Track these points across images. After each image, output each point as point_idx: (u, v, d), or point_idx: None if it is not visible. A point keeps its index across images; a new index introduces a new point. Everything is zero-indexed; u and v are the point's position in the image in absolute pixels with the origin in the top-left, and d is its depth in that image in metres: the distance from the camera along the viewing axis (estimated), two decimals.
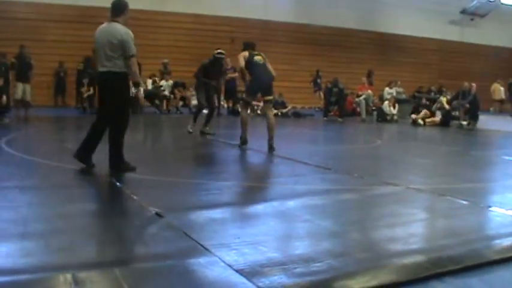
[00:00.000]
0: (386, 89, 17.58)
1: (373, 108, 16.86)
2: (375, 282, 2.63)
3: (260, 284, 2.51)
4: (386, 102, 16.16)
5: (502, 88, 21.35)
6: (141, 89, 5.30)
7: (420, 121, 14.41)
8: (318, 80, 18.54)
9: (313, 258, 2.89)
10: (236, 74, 13.38)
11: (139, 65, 6.17)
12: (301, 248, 3.18)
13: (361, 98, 16.75)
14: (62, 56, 16.24)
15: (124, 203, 4.18)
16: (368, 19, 20.95)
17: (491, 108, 21.37)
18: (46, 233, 3.31)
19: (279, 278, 2.59)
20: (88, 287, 2.46)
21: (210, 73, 9.44)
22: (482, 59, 23.13)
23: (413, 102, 16.59)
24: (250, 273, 2.64)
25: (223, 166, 7.06)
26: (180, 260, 2.83)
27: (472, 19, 23.53)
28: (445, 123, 14.21)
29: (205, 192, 4.92)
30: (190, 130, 9.33)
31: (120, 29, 5.14)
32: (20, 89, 11.72)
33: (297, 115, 16.37)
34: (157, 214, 3.70)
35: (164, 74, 16.15)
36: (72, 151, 5.47)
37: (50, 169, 5.61)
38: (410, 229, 3.68)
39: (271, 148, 7.35)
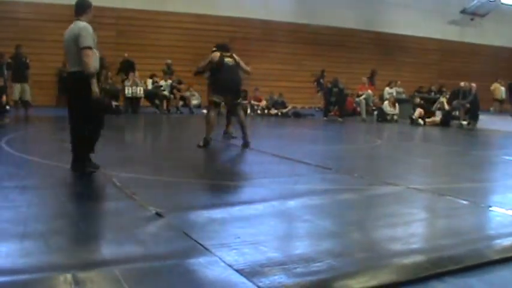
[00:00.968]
0: (387, 88, 17.59)
1: (373, 108, 16.86)
2: (374, 282, 2.63)
3: (260, 284, 2.51)
4: (386, 102, 16.17)
5: (502, 88, 21.37)
6: (94, 81, 5.05)
7: (420, 121, 14.40)
8: (321, 80, 18.53)
9: (313, 258, 2.89)
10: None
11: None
12: (301, 248, 3.18)
13: (361, 98, 16.75)
14: (61, 56, 16.21)
15: (124, 203, 4.17)
16: (368, 19, 20.94)
17: (491, 108, 21.38)
18: (46, 233, 3.31)
19: (279, 277, 2.59)
20: (88, 287, 2.46)
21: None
22: (482, 59, 23.12)
23: (412, 102, 16.59)
24: (250, 273, 2.64)
25: (223, 166, 7.06)
26: (180, 260, 2.83)
27: (472, 19, 23.52)
28: (445, 123, 14.20)
29: (205, 192, 4.92)
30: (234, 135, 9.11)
31: (78, 25, 5.10)
32: (17, 90, 11.70)
33: (297, 115, 16.36)
34: (157, 214, 3.71)
35: (166, 74, 16.17)
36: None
37: (50, 169, 5.61)
38: (411, 229, 3.68)
39: (246, 144, 7.74)
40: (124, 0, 16.99)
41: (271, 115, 16.26)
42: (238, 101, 8.06)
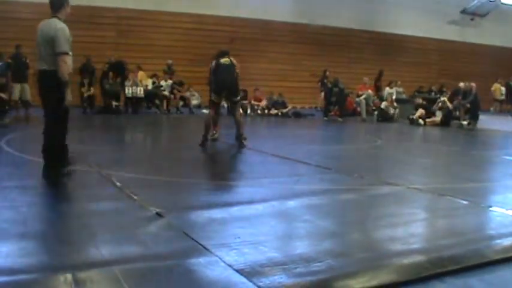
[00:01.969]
0: (387, 88, 17.61)
1: (374, 108, 16.86)
2: (374, 282, 2.63)
3: (260, 284, 2.51)
4: (384, 102, 16.17)
5: (503, 88, 21.37)
6: (68, 91, 4.87)
7: (420, 121, 14.40)
8: (325, 80, 18.53)
9: (313, 258, 2.89)
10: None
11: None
12: (301, 247, 3.18)
13: (361, 98, 16.75)
14: None
15: (124, 203, 4.17)
16: (368, 19, 20.93)
17: (491, 108, 21.38)
18: (46, 233, 3.31)
19: (279, 277, 2.59)
20: (88, 287, 2.46)
21: None
22: (482, 59, 23.12)
23: (413, 102, 16.59)
24: (250, 273, 2.64)
25: (223, 166, 7.06)
26: (180, 260, 2.83)
27: (472, 19, 23.51)
28: (445, 123, 14.20)
29: (205, 192, 4.92)
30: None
31: (54, 25, 4.89)
32: (17, 90, 11.70)
33: (297, 115, 16.36)
34: (157, 214, 3.71)
35: (167, 74, 16.17)
36: (71, 151, 5.44)
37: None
38: (411, 229, 3.68)
39: (241, 144, 7.87)
40: (124, 0, 16.99)
41: (271, 115, 16.26)
42: (236, 99, 8.14)
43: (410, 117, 14.67)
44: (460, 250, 3.13)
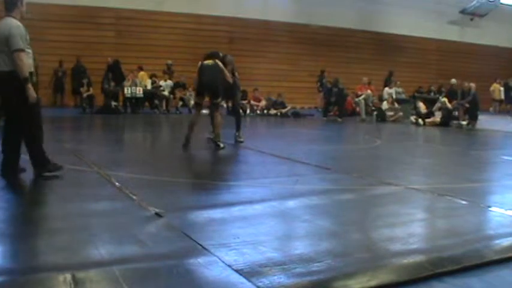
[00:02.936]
0: (386, 89, 17.61)
1: (373, 108, 16.87)
2: (374, 282, 2.63)
3: (260, 284, 2.50)
4: (384, 102, 16.17)
5: (501, 88, 21.39)
6: (30, 86, 4.72)
7: (420, 121, 14.41)
8: (324, 80, 18.55)
9: (313, 258, 2.89)
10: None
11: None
12: (301, 248, 3.17)
13: (361, 98, 16.76)
14: (61, 56, 16.24)
15: (124, 203, 4.17)
16: (367, 19, 20.96)
17: (490, 108, 21.40)
18: (45, 233, 3.31)
19: (278, 278, 2.59)
20: (88, 287, 2.46)
21: None
22: (482, 59, 23.14)
23: (415, 104, 16.60)
24: (249, 273, 2.63)
25: (222, 166, 7.06)
26: (179, 260, 2.83)
27: (471, 19, 23.55)
28: (444, 123, 14.21)
29: (205, 192, 4.91)
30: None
31: (9, 24, 4.77)
32: None
33: (296, 115, 16.37)
34: (157, 214, 3.70)
35: (166, 74, 16.18)
36: (71, 151, 5.44)
37: None
38: (410, 229, 3.68)
39: (217, 146, 7.83)
40: (124, 0, 16.99)
41: (271, 115, 16.26)
42: (217, 101, 8.07)
43: (411, 118, 14.69)
44: (459, 250, 3.13)
